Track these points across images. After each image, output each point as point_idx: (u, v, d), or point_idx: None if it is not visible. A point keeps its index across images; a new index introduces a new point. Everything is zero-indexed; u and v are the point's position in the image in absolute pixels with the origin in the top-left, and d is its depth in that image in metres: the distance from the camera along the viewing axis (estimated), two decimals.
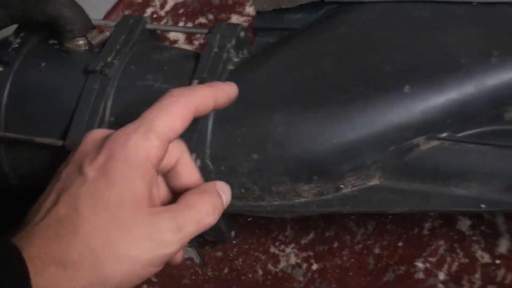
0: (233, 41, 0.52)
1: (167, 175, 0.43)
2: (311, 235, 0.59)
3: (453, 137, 0.47)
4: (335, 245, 0.58)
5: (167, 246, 0.37)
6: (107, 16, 0.85)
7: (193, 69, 0.51)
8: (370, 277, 0.55)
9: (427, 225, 0.57)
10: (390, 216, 0.58)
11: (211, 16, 0.81)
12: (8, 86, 0.54)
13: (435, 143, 0.47)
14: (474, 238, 0.56)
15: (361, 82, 0.47)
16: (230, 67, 0.51)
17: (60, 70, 0.54)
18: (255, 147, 0.47)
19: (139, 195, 0.37)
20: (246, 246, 0.59)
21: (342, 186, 0.48)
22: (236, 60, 0.52)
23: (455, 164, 0.47)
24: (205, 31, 0.54)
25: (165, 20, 0.83)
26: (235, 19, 0.79)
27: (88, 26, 0.55)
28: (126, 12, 0.84)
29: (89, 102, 0.51)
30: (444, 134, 0.47)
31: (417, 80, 0.46)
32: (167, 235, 0.37)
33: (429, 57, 0.47)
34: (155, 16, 0.84)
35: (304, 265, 0.57)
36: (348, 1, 0.52)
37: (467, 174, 0.46)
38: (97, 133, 0.40)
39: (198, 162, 0.47)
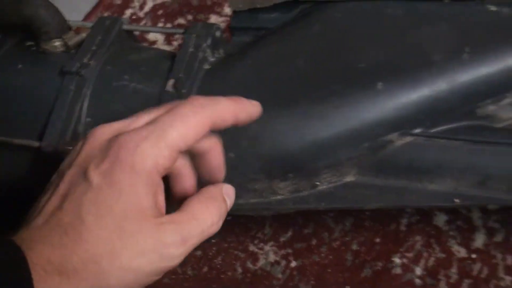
0: (209, 41, 0.52)
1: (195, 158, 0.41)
2: (290, 233, 0.59)
3: (426, 133, 0.47)
4: (313, 242, 0.58)
5: (171, 259, 0.37)
6: (86, 18, 0.85)
7: (169, 69, 0.51)
8: (348, 273, 0.56)
9: (404, 221, 0.58)
10: (367, 213, 0.59)
11: (190, 17, 0.81)
12: None
13: (408, 139, 0.47)
14: (451, 233, 0.57)
15: (335, 80, 0.48)
16: (206, 66, 0.52)
17: (37, 72, 0.54)
18: (230, 144, 0.47)
19: (145, 206, 0.36)
20: (225, 245, 0.60)
21: (317, 183, 0.49)
22: (212, 59, 0.52)
23: (428, 160, 0.47)
24: (181, 31, 0.54)
25: (144, 21, 0.83)
26: (213, 19, 0.79)
27: (65, 27, 0.55)
28: (106, 14, 0.84)
29: (66, 103, 0.51)
30: (418, 130, 0.47)
31: (390, 77, 0.47)
32: (172, 249, 0.36)
33: (402, 54, 0.48)
34: (134, 17, 0.84)
35: (283, 263, 0.57)
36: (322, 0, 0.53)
37: (441, 170, 0.47)
38: (103, 133, 0.38)
39: None
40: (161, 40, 0.79)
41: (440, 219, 0.57)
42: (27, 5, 0.52)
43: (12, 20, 0.54)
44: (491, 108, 0.48)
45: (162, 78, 0.51)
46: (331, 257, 0.57)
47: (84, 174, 0.36)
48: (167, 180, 0.40)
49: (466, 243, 0.56)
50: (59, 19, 0.55)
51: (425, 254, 0.56)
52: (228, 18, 0.78)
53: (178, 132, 0.37)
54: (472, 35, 0.48)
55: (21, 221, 0.38)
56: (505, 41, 0.47)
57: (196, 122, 0.37)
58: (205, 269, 0.58)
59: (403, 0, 0.50)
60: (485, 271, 0.54)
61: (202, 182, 0.41)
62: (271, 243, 0.59)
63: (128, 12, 0.85)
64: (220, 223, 0.39)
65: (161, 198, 0.37)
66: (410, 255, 0.56)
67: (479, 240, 0.56)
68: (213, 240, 0.59)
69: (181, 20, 0.80)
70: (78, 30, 0.58)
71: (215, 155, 0.41)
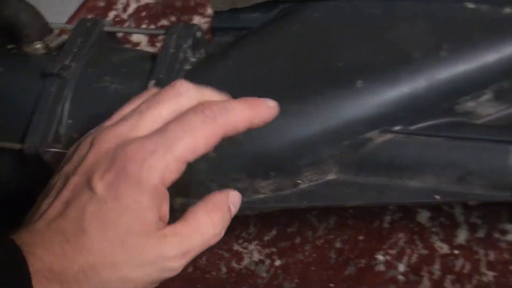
0: (190, 41, 0.53)
1: None
2: (274, 232, 0.59)
3: (406, 130, 0.47)
4: (297, 240, 0.58)
5: (170, 271, 0.37)
6: (70, 20, 0.85)
7: (150, 70, 0.51)
8: (332, 271, 0.56)
9: (387, 218, 0.58)
10: (351, 211, 0.59)
11: (173, 18, 0.81)
12: None
13: (388, 136, 0.47)
14: (433, 229, 0.57)
15: (314, 79, 0.48)
16: (187, 67, 0.52)
17: (18, 74, 0.54)
18: None
19: (149, 221, 0.35)
20: None
21: (299, 181, 0.49)
22: (193, 60, 0.53)
23: (408, 157, 0.48)
24: (162, 32, 0.54)
25: (128, 23, 0.83)
26: (197, 20, 0.79)
27: (46, 29, 0.56)
28: (89, 16, 0.84)
29: (47, 105, 0.51)
30: (397, 127, 0.47)
31: (369, 75, 0.47)
32: (172, 262, 0.36)
33: (381, 52, 0.48)
34: (117, 19, 0.84)
35: (267, 261, 0.58)
36: None
37: (421, 166, 0.47)
38: (108, 140, 0.37)
39: None
40: (145, 41, 0.79)
41: (423, 216, 0.58)
42: (7, 8, 0.53)
43: None
44: (470, 105, 0.48)
45: (143, 79, 0.51)
46: (315, 255, 0.57)
47: (89, 183, 0.35)
48: None
49: (448, 239, 0.56)
50: (40, 22, 0.55)
51: (408, 251, 0.56)
52: (211, 19, 0.78)
53: (187, 144, 0.36)
54: (450, 33, 0.48)
55: (20, 220, 0.38)
56: (482, 38, 0.47)
57: (206, 134, 0.36)
58: (190, 269, 0.59)
59: None
60: (468, 267, 0.54)
61: None
62: (256, 242, 0.59)
63: (112, 14, 0.85)
64: (223, 233, 0.39)
65: (166, 207, 0.37)
66: (393, 252, 0.56)
67: (462, 236, 0.56)
68: None
69: (164, 22, 0.81)
70: (62, 33, 0.58)
71: None
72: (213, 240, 0.38)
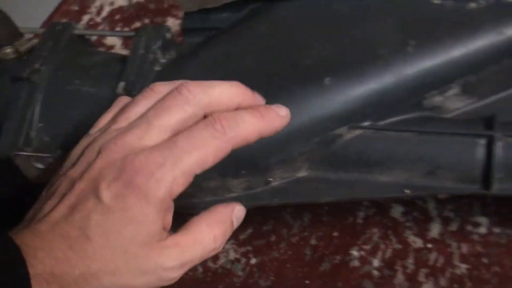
0: (159, 43, 0.53)
1: None
2: (249, 230, 0.60)
3: (375, 125, 0.48)
4: (273, 238, 0.59)
5: (169, 281, 0.37)
6: (44, 25, 0.85)
7: (120, 71, 0.51)
8: (307, 267, 0.56)
9: (361, 214, 0.59)
10: (325, 208, 0.60)
11: (147, 20, 0.81)
12: None
13: (357, 132, 0.48)
14: (407, 224, 0.57)
15: (283, 77, 0.48)
16: (157, 68, 0.52)
17: None
18: None
19: (153, 232, 0.36)
20: None
21: (270, 179, 0.49)
22: (163, 61, 0.53)
23: (377, 152, 0.48)
24: (132, 33, 0.54)
25: (102, 26, 0.83)
26: (170, 22, 0.80)
27: (16, 34, 0.56)
28: (63, 21, 0.84)
29: (17, 109, 0.51)
30: (366, 123, 0.48)
31: (337, 72, 0.47)
32: (170, 273, 0.37)
33: (348, 49, 0.49)
34: (91, 23, 0.84)
35: (243, 260, 0.58)
36: None
37: (390, 161, 0.48)
38: (115, 150, 0.36)
39: None
40: (119, 44, 0.79)
41: (397, 211, 0.58)
42: None
43: None
44: (437, 99, 0.49)
45: (113, 81, 0.51)
46: (290, 252, 0.58)
47: (95, 191, 0.35)
48: None
49: (422, 234, 0.57)
50: (9, 26, 0.55)
51: (382, 246, 0.57)
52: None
53: (195, 158, 0.36)
54: (417, 29, 0.48)
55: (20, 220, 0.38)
56: (448, 34, 0.48)
57: (216, 148, 0.36)
58: None
59: None
60: (441, 260, 0.55)
61: None
62: (231, 241, 0.60)
63: (86, 17, 0.85)
64: (222, 247, 0.39)
65: (170, 217, 0.37)
66: (367, 247, 0.57)
67: (435, 230, 0.57)
68: None
69: (138, 24, 0.81)
70: (36, 37, 0.58)
71: None
72: (212, 253, 0.39)
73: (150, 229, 0.36)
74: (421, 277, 0.54)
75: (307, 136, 0.47)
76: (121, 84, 0.50)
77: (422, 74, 0.47)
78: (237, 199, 0.49)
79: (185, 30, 0.58)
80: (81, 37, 0.58)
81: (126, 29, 0.81)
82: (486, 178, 0.46)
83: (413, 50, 0.47)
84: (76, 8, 0.86)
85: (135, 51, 0.52)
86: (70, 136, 0.50)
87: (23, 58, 0.55)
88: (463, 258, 0.55)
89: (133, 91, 0.50)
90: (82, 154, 0.38)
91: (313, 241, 0.58)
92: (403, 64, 0.47)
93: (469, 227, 0.56)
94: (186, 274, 0.57)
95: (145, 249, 0.36)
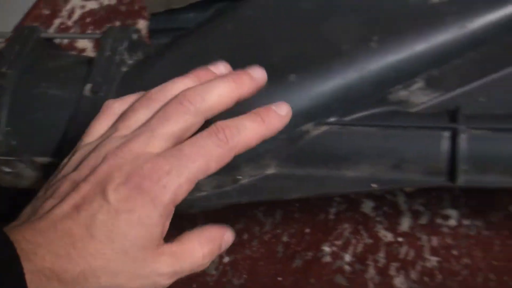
0: (126, 44, 0.53)
1: None
2: None
3: (341, 121, 0.48)
4: (245, 236, 0.59)
5: (159, 286, 0.38)
6: (15, 30, 0.84)
7: (87, 73, 0.51)
8: (279, 264, 0.56)
9: (333, 210, 0.59)
10: (297, 204, 0.60)
11: (118, 23, 0.81)
12: None
13: (324, 128, 0.48)
14: (377, 218, 0.58)
15: None
16: (124, 69, 0.52)
17: None
18: None
19: (154, 236, 0.37)
20: None
21: (239, 177, 0.49)
22: (130, 62, 0.53)
23: (344, 147, 0.48)
24: (99, 35, 0.54)
25: (73, 30, 0.83)
26: (141, 24, 0.80)
27: None
28: (35, 25, 0.84)
29: None
30: (332, 119, 0.48)
31: (302, 69, 0.48)
32: (163, 279, 0.38)
33: (313, 46, 0.49)
34: (63, 26, 0.84)
35: (216, 259, 0.58)
36: None
37: (356, 156, 0.48)
38: (122, 157, 0.38)
39: None
40: (90, 47, 0.79)
41: (367, 206, 0.59)
42: None
43: None
44: (402, 94, 0.49)
45: (80, 83, 0.51)
46: (262, 250, 0.58)
47: (103, 193, 0.36)
48: None
49: (392, 228, 0.57)
50: None
51: (353, 241, 0.57)
52: None
53: (200, 166, 0.37)
54: (380, 24, 0.49)
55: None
56: (411, 28, 0.48)
57: (219, 156, 0.38)
58: None
59: None
60: (412, 254, 0.55)
61: None
62: None
63: (57, 21, 0.85)
64: (207, 265, 0.41)
65: (168, 222, 0.38)
66: (339, 243, 0.57)
67: (405, 224, 0.57)
68: None
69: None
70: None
71: None
72: (199, 269, 0.40)
73: (152, 232, 0.37)
74: (392, 271, 0.55)
75: None
76: (88, 86, 0.50)
77: (386, 69, 0.48)
78: (207, 198, 0.49)
79: (152, 31, 0.58)
80: (49, 40, 0.58)
81: (97, 31, 0.80)
82: (452, 171, 0.47)
83: (376, 46, 0.48)
84: (47, 12, 0.86)
85: (101, 53, 0.52)
86: (37, 139, 0.50)
87: None
88: (434, 251, 0.55)
89: (100, 93, 0.50)
90: (85, 159, 0.39)
91: (285, 238, 0.58)
92: (366, 60, 0.47)
93: (439, 220, 0.57)
94: None
95: (144, 252, 0.37)
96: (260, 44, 0.50)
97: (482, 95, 0.50)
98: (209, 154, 0.38)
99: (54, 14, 0.85)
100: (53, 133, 0.50)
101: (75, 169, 0.39)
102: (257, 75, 0.42)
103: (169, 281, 0.38)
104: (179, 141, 0.39)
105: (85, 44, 0.80)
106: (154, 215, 0.36)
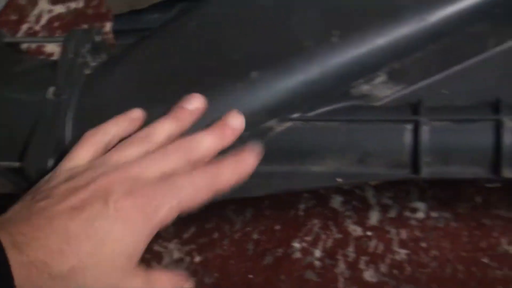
0: (88, 46, 0.53)
1: None
2: (193, 229, 0.60)
3: (304, 117, 0.48)
4: (216, 235, 0.59)
5: None
6: None
7: (50, 77, 0.51)
8: (250, 262, 0.57)
9: (302, 206, 0.59)
10: (266, 201, 0.60)
11: (85, 26, 0.81)
12: None
13: (287, 124, 0.48)
14: (347, 213, 0.58)
15: (210, 74, 0.49)
16: (87, 71, 0.52)
17: None
18: None
19: (137, 251, 0.40)
20: None
21: None
22: (93, 64, 0.53)
23: (308, 143, 0.48)
24: (61, 39, 0.54)
25: (41, 34, 0.83)
26: (109, 26, 0.79)
27: None
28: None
29: None
30: (296, 115, 0.48)
31: (264, 66, 0.48)
32: None
33: (274, 42, 0.49)
34: (31, 31, 0.83)
35: (187, 259, 0.58)
36: None
37: (321, 151, 0.48)
38: (122, 176, 0.41)
39: None
40: (58, 52, 0.79)
41: (336, 201, 0.59)
42: None
43: None
44: (365, 88, 0.49)
45: (43, 87, 0.51)
46: (233, 248, 0.58)
47: (104, 199, 0.39)
48: None
49: (361, 222, 0.58)
50: None
51: (323, 236, 0.57)
52: None
53: (189, 196, 0.42)
54: (340, 18, 0.49)
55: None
56: (372, 22, 0.48)
57: (205, 193, 0.43)
58: None
59: None
60: (381, 247, 0.56)
61: None
62: (175, 240, 0.60)
63: (25, 26, 0.84)
64: None
65: (145, 247, 0.41)
66: (309, 238, 0.57)
67: (374, 218, 0.58)
68: None
69: None
70: None
71: None
72: None
73: (139, 246, 0.40)
74: (361, 265, 0.55)
75: None
76: (51, 89, 0.50)
77: (347, 63, 0.48)
78: None
79: (116, 32, 0.58)
80: (13, 45, 0.58)
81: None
82: (415, 163, 0.47)
83: (337, 40, 0.48)
84: (15, 17, 0.86)
85: (64, 56, 0.52)
86: (1, 143, 0.50)
87: None
88: (402, 244, 0.56)
89: (63, 95, 0.50)
90: (78, 174, 0.42)
91: (255, 236, 0.58)
92: (328, 55, 0.48)
93: (407, 213, 0.57)
94: None
95: (126, 265, 0.39)
96: (222, 42, 0.50)
97: (444, 87, 0.50)
98: (196, 188, 0.42)
99: (22, 19, 0.85)
100: (17, 137, 0.50)
101: (67, 180, 0.41)
102: (237, 126, 0.46)
103: None
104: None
105: (53, 49, 0.80)
106: (145, 232, 0.40)
